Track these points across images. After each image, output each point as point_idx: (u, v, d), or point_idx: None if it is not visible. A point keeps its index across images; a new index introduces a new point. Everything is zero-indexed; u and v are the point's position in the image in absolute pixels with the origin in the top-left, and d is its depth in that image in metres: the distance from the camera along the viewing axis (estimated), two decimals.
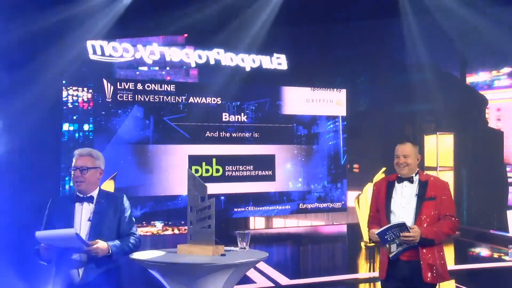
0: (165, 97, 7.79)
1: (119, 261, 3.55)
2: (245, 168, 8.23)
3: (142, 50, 7.84)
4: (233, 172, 8.15)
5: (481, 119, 10.24)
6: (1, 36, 6.48)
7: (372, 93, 10.44)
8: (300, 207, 8.61)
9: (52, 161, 7.01)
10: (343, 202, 8.89)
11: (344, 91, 8.95)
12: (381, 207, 3.81)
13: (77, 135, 7.26)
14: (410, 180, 3.80)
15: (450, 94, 9.99)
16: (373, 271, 7.31)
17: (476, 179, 10.09)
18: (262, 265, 6.83)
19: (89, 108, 7.32)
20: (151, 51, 7.89)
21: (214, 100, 8.07)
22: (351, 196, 8.94)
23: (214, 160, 8.03)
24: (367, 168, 9.35)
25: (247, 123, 8.29)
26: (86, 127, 7.29)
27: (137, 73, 9.14)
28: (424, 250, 3.64)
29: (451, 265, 7.63)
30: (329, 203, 8.80)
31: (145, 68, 9.15)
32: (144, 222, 7.97)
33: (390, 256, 3.67)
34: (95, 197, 3.50)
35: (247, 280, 6.35)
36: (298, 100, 8.63)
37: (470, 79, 10.43)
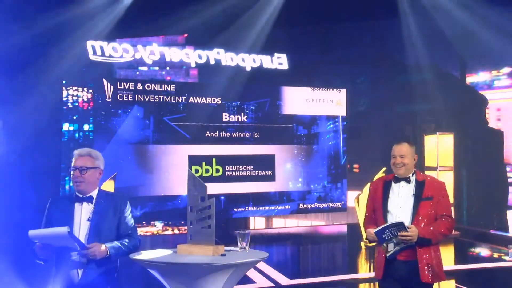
0: (165, 97, 7.79)
1: (118, 262, 3.56)
2: (245, 168, 8.23)
3: (142, 50, 7.84)
4: (233, 172, 8.15)
5: (481, 119, 10.24)
6: (2, 37, 6.49)
7: (372, 93, 10.44)
8: (300, 207, 8.61)
9: (52, 161, 7.02)
10: (343, 202, 8.89)
11: (344, 91, 8.95)
12: (378, 207, 3.82)
13: (77, 135, 7.26)
14: (407, 180, 3.80)
15: (450, 94, 10.00)
16: (373, 271, 7.29)
17: (476, 179, 10.10)
18: (262, 265, 6.83)
19: (89, 108, 7.32)
20: (151, 51, 7.89)
21: (214, 100, 8.07)
22: (351, 196, 8.94)
23: (214, 160, 8.03)
24: (367, 168, 9.35)
25: (247, 123, 8.29)
26: (86, 127, 7.29)
27: (137, 73, 9.15)
28: (421, 250, 3.65)
29: (451, 265, 7.64)
30: (329, 203, 8.80)
31: (145, 68, 9.16)
32: (144, 222, 7.98)
33: (387, 255, 3.68)
34: (94, 197, 3.50)
35: (247, 280, 6.35)
36: (298, 100, 8.63)
37: (470, 79, 10.44)
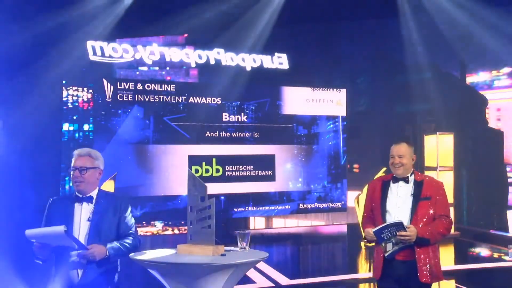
0: (165, 97, 7.79)
1: (119, 262, 3.56)
2: (245, 168, 8.23)
3: (142, 51, 7.84)
4: (233, 172, 8.15)
5: (481, 119, 10.24)
6: (2, 37, 6.50)
7: (372, 93, 10.44)
8: (300, 207, 8.61)
9: (52, 161, 7.02)
10: (343, 202, 8.89)
11: (344, 91, 8.95)
12: (376, 206, 3.82)
13: (77, 135, 7.26)
14: (406, 180, 3.80)
15: (450, 94, 10.00)
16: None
17: (476, 179, 10.10)
18: (262, 265, 6.82)
19: (89, 108, 7.32)
20: (151, 52, 7.89)
21: (214, 100, 8.07)
22: (351, 196, 8.94)
23: (214, 160, 8.03)
24: (367, 168, 9.35)
25: (247, 123, 8.29)
26: (86, 127, 7.29)
27: (137, 73, 9.15)
28: (419, 250, 3.65)
29: (451, 265, 7.64)
30: (329, 203, 8.80)
31: (145, 68, 9.16)
32: (144, 222, 7.98)
33: (386, 255, 3.68)
34: (94, 197, 3.50)
35: (247, 280, 6.35)
36: (298, 100, 8.63)
37: (470, 79, 10.44)
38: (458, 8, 8.57)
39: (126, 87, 7.56)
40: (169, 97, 7.82)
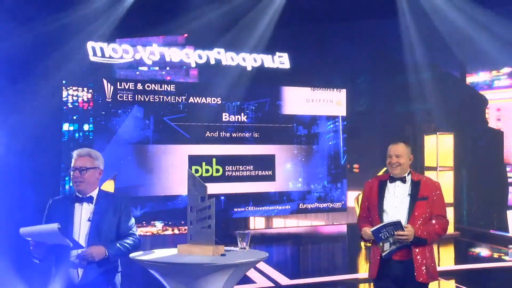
0: (165, 97, 7.79)
1: (119, 262, 3.56)
2: (245, 168, 8.23)
3: (142, 51, 7.84)
4: (233, 172, 8.16)
5: (481, 119, 10.24)
6: (2, 37, 6.50)
7: (372, 93, 10.44)
8: (300, 207, 8.61)
9: (52, 161, 7.02)
10: (343, 202, 8.89)
11: (344, 91, 8.95)
12: (373, 206, 3.82)
13: (77, 135, 7.26)
14: (403, 180, 3.81)
15: (450, 94, 10.00)
16: None
17: (476, 179, 10.10)
18: (262, 265, 6.83)
19: (89, 108, 7.32)
20: (151, 52, 7.90)
21: (214, 100, 8.07)
22: (351, 196, 8.95)
23: (214, 160, 8.03)
24: (367, 168, 9.35)
25: (247, 123, 8.29)
26: (86, 127, 7.30)
27: (137, 73, 9.15)
28: (416, 250, 3.66)
29: (451, 265, 7.64)
30: (329, 203, 8.80)
31: (145, 68, 9.16)
32: (144, 222, 7.98)
33: (383, 254, 3.68)
34: (94, 197, 3.50)
35: (247, 280, 6.35)
36: (298, 100, 8.64)
37: (470, 79, 10.44)
38: (458, 9, 8.57)
39: (126, 87, 7.56)
40: (169, 97, 7.82)
